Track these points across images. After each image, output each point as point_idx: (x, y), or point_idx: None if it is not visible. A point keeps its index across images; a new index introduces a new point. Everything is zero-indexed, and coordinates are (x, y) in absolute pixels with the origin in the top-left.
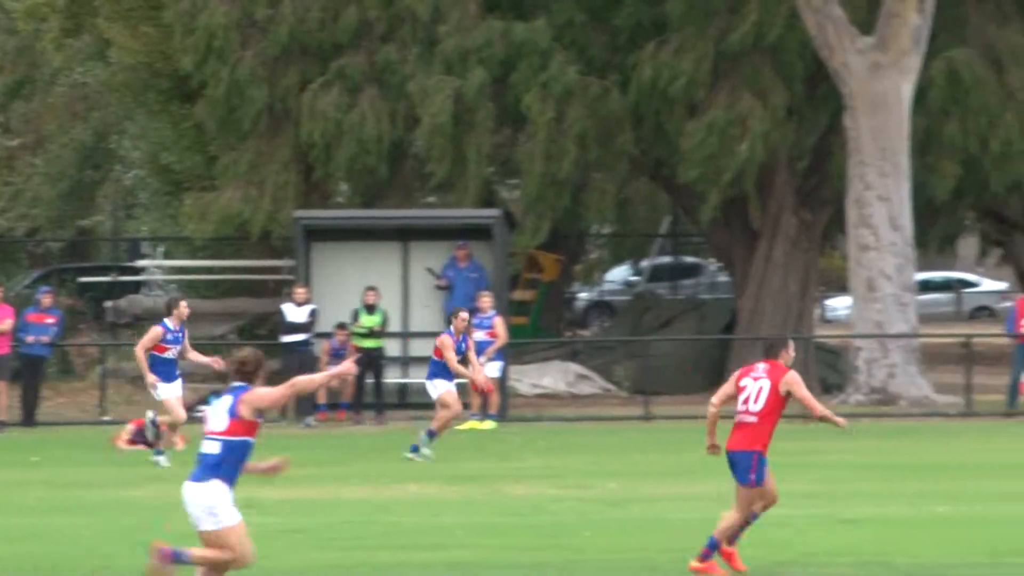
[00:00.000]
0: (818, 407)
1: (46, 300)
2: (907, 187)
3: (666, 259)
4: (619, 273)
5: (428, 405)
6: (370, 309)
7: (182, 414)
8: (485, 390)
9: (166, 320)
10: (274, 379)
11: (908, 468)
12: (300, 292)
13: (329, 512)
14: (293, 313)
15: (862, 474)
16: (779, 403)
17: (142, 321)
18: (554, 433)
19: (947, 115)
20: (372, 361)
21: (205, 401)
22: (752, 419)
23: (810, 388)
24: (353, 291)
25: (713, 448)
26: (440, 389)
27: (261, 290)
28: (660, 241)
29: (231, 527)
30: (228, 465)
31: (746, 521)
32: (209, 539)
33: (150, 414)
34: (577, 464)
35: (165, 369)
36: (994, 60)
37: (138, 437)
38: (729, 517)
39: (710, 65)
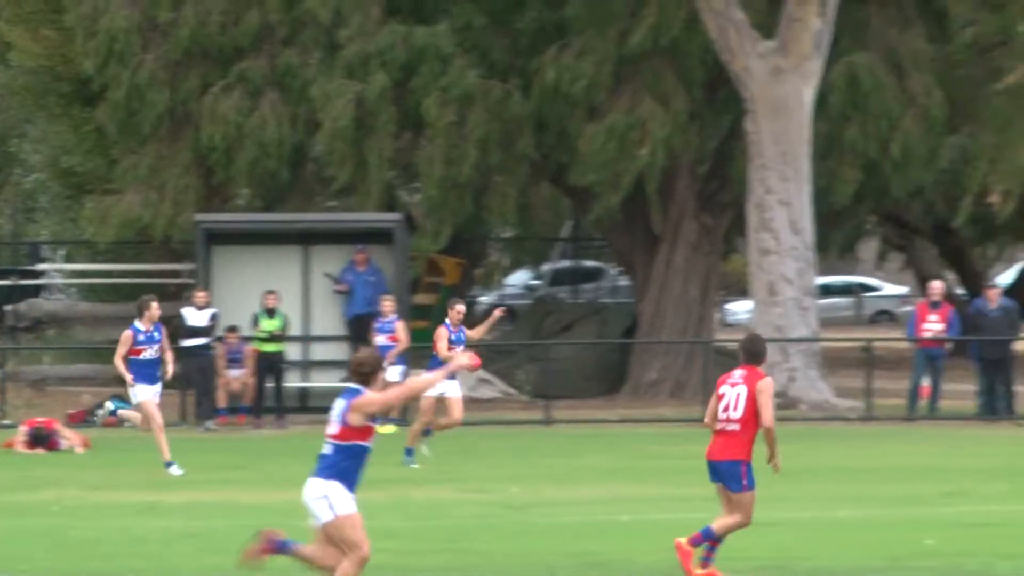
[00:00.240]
0: (770, 421)
1: None
2: (808, 191)
3: (567, 263)
4: (520, 277)
5: (328, 409)
6: (270, 313)
7: (158, 417)
8: (474, 366)
9: (136, 322)
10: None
11: (808, 472)
12: (200, 296)
13: (228, 516)
14: (194, 317)
15: (761, 478)
16: (758, 408)
17: (42, 325)
18: (455, 437)
19: (848, 120)
20: (272, 365)
21: (100, 405)
22: (735, 427)
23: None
24: (254, 295)
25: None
26: (443, 388)
27: (162, 294)
28: (561, 245)
29: (347, 515)
30: (343, 467)
31: (740, 525)
32: (329, 531)
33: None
34: (478, 468)
35: (141, 371)
36: (895, 65)
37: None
38: (727, 521)
39: (612, 68)
